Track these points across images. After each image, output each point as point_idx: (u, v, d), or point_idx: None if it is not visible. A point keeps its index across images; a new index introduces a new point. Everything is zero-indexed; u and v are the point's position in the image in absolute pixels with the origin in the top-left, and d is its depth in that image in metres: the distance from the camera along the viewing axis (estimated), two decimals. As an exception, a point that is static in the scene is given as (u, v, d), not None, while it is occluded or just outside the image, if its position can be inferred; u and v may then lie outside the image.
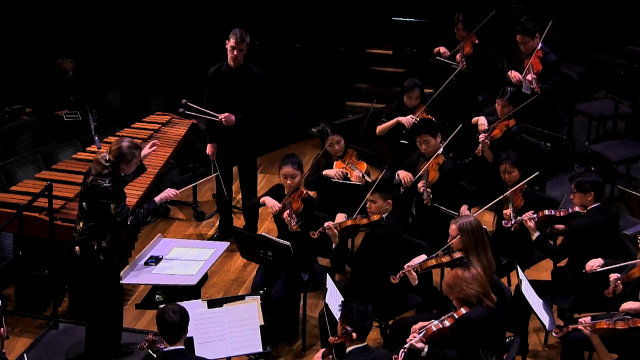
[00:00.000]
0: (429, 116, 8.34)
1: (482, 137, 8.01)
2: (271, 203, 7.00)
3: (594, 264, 6.38)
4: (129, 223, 6.40)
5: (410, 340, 5.73)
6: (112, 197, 6.29)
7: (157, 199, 6.64)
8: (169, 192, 6.67)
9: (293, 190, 6.97)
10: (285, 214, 6.87)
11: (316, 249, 7.07)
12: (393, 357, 5.66)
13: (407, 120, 8.32)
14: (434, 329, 5.75)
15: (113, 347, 6.74)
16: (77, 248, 6.46)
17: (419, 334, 5.78)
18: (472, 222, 6.31)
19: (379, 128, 8.50)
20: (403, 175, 7.52)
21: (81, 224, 6.43)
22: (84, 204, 6.41)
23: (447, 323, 5.77)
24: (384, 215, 6.69)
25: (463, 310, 5.76)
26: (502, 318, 5.95)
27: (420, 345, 5.71)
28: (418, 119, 8.25)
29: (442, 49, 9.66)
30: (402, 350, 5.68)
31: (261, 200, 7.12)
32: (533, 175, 7.15)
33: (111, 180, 6.30)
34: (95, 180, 6.30)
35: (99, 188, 6.28)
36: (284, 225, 6.96)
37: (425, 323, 6.01)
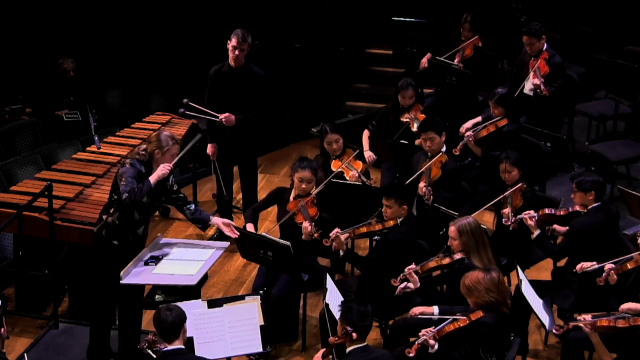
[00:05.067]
0: (423, 115, 8.37)
1: (467, 134, 8.12)
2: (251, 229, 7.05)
3: (586, 264, 6.40)
4: (125, 199, 6.29)
5: (423, 334, 5.74)
6: (125, 171, 6.37)
7: (151, 178, 6.39)
8: (164, 168, 6.44)
9: (306, 195, 6.98)
10: (306, 225, 6.85)
11: (316, 249, 7.06)
12: (406, 351, 5.69)
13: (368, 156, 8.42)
14: (447, 329, 5.77)
15: (128, 348, 6.72)
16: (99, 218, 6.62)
17: (434, 328, 5.80)
18: (471, 222, 6.33)
19: (364, 136, 8.57)
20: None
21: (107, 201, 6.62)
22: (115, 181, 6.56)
23: (461, 324, 5.77)
24: (399, 220, 6.70)
25: (479, 314, 5.75)
26: (512, 323, 5.96)
27: (432, 342, 5.74)
28: (413, 117, 8.30)
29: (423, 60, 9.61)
30: (416, 345, 5.71)
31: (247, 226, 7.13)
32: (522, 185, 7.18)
33: (131, 163, 6.41)
34: (123, 162, 6.50)
35: (121, 166, 6.44)
36: (287, 229, 6.95)
37: (426, 309, 6.00)
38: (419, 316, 6.04)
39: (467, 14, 9.58)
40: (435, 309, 6.05)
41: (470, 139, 8.08)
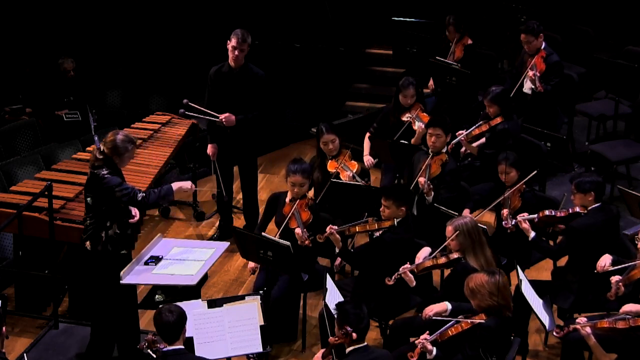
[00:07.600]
0: (425, 114, 8.38)
1: (459, 133, 8.16)
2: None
3: (605, 262, 6.35)
4: (139, 199, 6.35)
5: (422, 340, 5.75)
6: (113, 182, 6.31)
7: (175, 186, 6.50)
8: (187, 184, 6.57)
9: (300, 198, 6.98)
10: (298, 231, 6.85)
11: (317, 249, 7.06)
12: (408, 355, 5.70)
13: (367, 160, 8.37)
14: (450, 333, 5.77)
15: (127, 350, 6.71)
16: (87, 243, 6.48)
17: (431, 335, 5.79)
18: (468, 222, 6.32)
19: (365, 140, 8.56)
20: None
21: (88, 221, 6.48)
22: (88, 199, 6.44)
23: (463, 326, 5.77)
24: (397, 221, 6.69)
25: (482, 317, 5.74)
26: (514, 325, 5.94)
27: (429, 347, 5.73)
28: (414, 116, 8.32)
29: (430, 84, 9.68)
30: (418, 349, 5.72)
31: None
32: (531, 175, 7.14)
33: (107, 169, 6.33)
34: (94, 170, 6.35)
35: (98, 177, 6.32)
36: (286, 229, 6.96)
37: (439, 309, 5.98)
38: (434, 317, 5.98)
39: (449, 16, 9.63)
40: (448, 305, 6.02)
41: (463, 138, 8.12)
